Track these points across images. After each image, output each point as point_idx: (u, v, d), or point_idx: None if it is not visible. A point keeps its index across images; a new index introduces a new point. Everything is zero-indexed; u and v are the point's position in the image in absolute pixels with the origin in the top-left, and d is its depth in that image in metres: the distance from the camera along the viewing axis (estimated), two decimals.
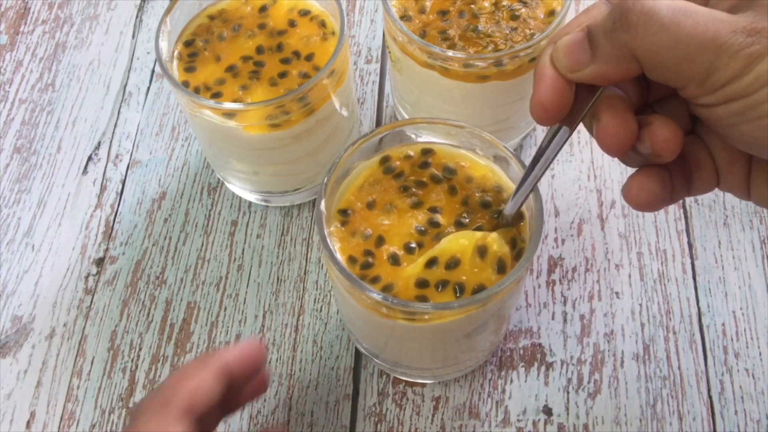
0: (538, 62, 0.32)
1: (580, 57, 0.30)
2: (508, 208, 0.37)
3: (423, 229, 0.39)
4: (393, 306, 0.35)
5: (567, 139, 0.33)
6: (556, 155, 0.34)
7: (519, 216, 0.38)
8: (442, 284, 0.36)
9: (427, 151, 0.41)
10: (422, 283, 0.37)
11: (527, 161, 0.36)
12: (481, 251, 0.36)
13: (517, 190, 0.36)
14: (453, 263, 0.37)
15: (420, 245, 0.38)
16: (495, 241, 0.37)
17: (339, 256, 0.38)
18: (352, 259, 0.38)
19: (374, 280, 0.37)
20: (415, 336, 0.38)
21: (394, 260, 0.38)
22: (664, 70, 0.28)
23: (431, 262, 0.37)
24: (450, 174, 0.40)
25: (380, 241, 0.38)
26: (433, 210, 0.39)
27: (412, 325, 0.37)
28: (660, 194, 0.31)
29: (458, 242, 0.37)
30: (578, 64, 0.30)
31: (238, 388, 0.35)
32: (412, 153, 0.41)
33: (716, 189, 0.33)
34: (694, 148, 0.32)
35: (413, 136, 0.41)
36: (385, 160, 0.41)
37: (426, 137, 0.41)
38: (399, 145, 0.41)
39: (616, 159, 0.53)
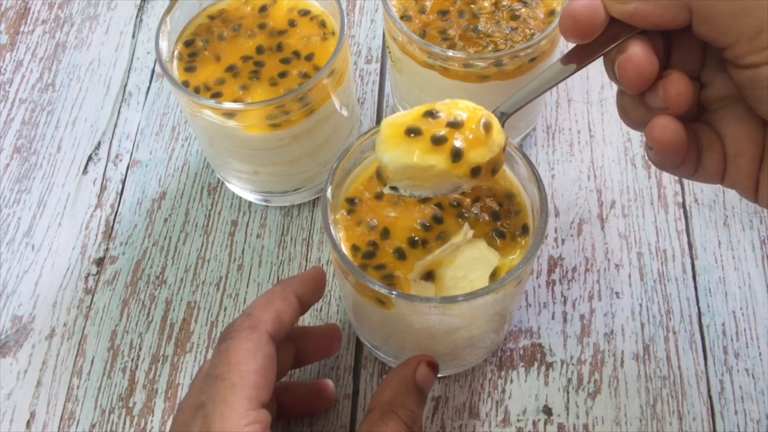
0: None
1: None
2: (506, 106, 0.35)
3: (428, 224, 0.39)
4: (392, 296, 0.34)
5: (572, 73, 0.33)
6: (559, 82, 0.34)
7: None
8: (440, 140, 0.33)
9: None
10: (413, 131, 0.33)
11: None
12: (486, 125, 0.34)
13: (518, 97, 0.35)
14: (457, 122, 0.33)
15: (425, 242, 0.38)
16: (497, 122, 0.34)
17: (342, 244, 0.38)
18: (355, 248, 0.38)
19: (378, 268, 0.37)
20: (413, 329, 0.38)
21: (399, 253, 0.38)
22: (717, 23, 0.29)
23: (431, 113, 0.34)
24: None
25: (385, 232, 0.38)
26: (440, 206, 0.39)
27: (410, 317, 0.37)
28: (683, 138, 0.31)
29: (460, 106, 0.34)
30: None
31: (310, 347, 0.42)
32: None
33: (720, 185, 0.33)
34: (706, 131, 0.32)
35: None
36: None
37: None
38: None
39: (615, 159, 0.53)
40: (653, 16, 0.30)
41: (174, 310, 0.49)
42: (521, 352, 0.47)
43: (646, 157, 0.54)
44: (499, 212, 0.39)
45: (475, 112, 0.34)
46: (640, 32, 0.31)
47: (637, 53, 0.31)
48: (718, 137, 0.32)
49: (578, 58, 0.33)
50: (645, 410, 0.45)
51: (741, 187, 0.32)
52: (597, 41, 0.32)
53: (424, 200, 0.39)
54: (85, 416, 0.46)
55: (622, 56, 0.31)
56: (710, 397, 0.45)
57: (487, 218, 0.39)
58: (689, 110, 0.32)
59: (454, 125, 0.33)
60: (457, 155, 0.33)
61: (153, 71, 0.61)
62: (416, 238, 0.38)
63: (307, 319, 0.48)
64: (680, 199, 0.52)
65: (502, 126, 0.35)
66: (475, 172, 0.34)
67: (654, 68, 0.31)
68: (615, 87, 0.57)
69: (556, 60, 0.34)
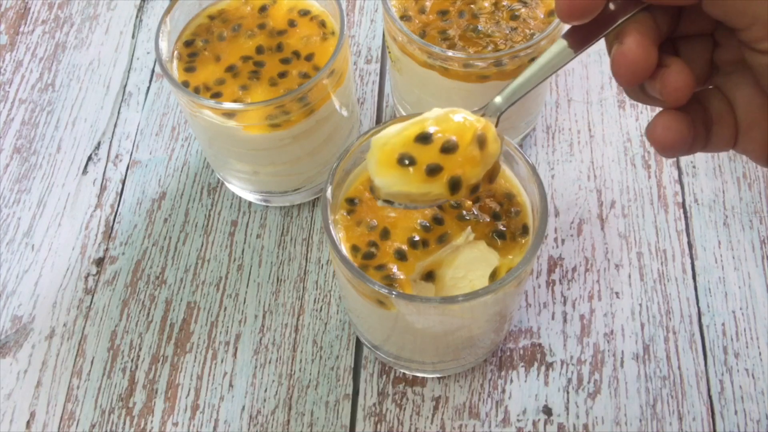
0: None
1: None
2: (500, 100, 0.33)
3: (428, 225, 0.39)
4: (392, 296, 0.34)
5: (571, 59, 0.31)
6: (559, 68, 0.32)
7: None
8: (434, 170, 0.32)
9: None
10: (406, 160, 0.32)
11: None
12: (481, 140, 0.32)
13: (512, 85, 0.33)
14: (450, 146, 0.31)
15: (425, 242, 0.38)
16: (492, 131, 0.32)
17: (342, 244, 0.38)
18: (355, 249, 0.38)
19: (378, 268, 0.37)
20: (413, 329, 0.38)
21: (399, 254, 0.38)
22: (729, 4, 0.27)
23: (423, 138, 0.32)
24: None
25: (385, 232, 0.38)
26: (440, 207, 0.39)
27: (410, 317, 0.37)
28: (686, 137, 0.29)
29: (453, 121, 0.32)
30: None
31: None
32: None
33: (732, 150, 0.31)
34: (717, 100, 0.31)
35: None
36: None
37: None
38: None
39: (615, 159, 0.53)
40: None
41: (174, 310, 0.49)
42: (521, 352, 0.47)
43: (645, 156, 0.54)
44: (499, 212, 0.39)
45: (469, 128, 0.32)
46: (644, 8, 0.29)
47: (632, 50, 0.28)
48: (730, 107, 0.30)
49: (576, 41, 0.31)
50: (645, 410, 0.45)
51: (753, 155, 0.31)
52: (596, 21, 0.29)
53: None
54: (85, 416, 0.46)
55: (616, 50, 0.29)
56: (710, 397, 0.45)
57: (487, 218, 0.39)
58: (700, 72, 0.30)
59: (448, 150, 0.32)
60: (454, 187, 0.32)
61: (153, 71, 0.61)
62: (416, 239, 0.38)
63: (307, 320, 0.48)
64: (680, 199, 0.52)
65: (497, 121, 0.33)
66: (474, 190, 0.33)
67: (650, 64, 0.29)
68: (615, 87, 0.57)
69: (554, 44, 0.31)
